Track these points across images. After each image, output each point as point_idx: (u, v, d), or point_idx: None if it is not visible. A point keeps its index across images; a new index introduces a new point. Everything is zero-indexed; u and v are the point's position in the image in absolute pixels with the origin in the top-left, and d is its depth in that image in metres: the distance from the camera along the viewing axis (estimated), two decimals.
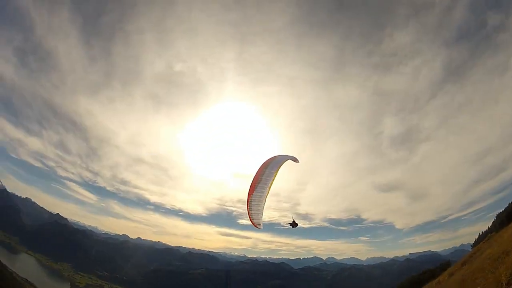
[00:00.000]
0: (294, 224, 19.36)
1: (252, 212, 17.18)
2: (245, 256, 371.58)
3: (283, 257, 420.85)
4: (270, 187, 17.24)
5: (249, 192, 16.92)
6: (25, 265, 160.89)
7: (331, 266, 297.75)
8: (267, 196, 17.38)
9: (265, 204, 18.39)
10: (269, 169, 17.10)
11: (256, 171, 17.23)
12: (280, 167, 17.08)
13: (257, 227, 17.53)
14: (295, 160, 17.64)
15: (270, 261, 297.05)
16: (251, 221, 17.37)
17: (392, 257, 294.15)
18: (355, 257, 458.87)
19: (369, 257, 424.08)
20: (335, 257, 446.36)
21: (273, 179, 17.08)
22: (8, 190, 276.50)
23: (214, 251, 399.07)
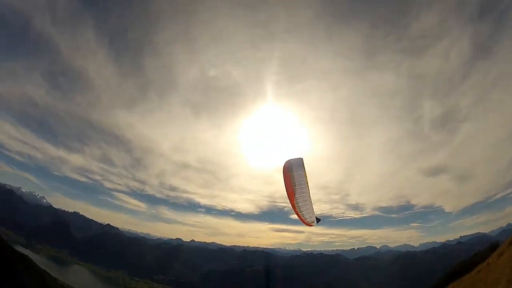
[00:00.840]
0: (317, 220, 18.33)
1: (303, 212, 16.70)
2: (300, 250, 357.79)
3: (338, 248, 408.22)
4: (308, 185, 16.59)
5: (289, 198, 16.40)
6: (77, 276, 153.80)
7: (386, 254, 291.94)
8: (310, 193, 16.70)
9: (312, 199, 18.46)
10: (295, 171, 16.60)
11: (284, 177, 16.60)
12: (303, 166, 16.52)
13: (310, 225, 17.15)
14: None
15: (325, 253, 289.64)
16: (304, 222, 16.82)
17: (443, 241, 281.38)
18: (408, 243, 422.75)
19: (422, 242, 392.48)
20: (388, 245, 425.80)
21: (306, 178, 16.45)
22: (55, 206, 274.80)
23: (269, 247, 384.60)
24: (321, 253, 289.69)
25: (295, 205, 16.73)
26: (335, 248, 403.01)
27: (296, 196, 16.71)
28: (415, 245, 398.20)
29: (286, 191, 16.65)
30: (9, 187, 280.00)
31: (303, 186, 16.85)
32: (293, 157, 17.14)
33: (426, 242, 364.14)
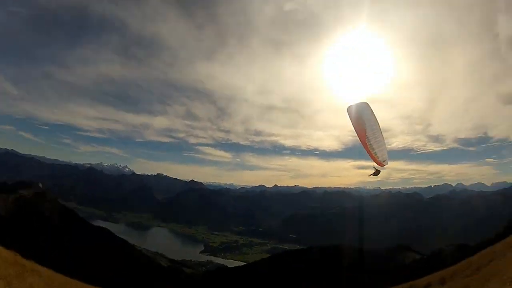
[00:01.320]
0: (376, 173, 17.14)
1: (376, 151, 15.41)
2: (379, 189, 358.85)
3: (416, 186, 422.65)
4: (378, 125, 15.51)
5: (360, 138, 15.26)
6: (156, 238, 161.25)
7: (459, 194, 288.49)
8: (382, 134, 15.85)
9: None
10: (363, 114, 15.38)
11: (352, 122, 15.49)
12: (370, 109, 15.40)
13: (383, 164, 15.83)
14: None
15: (403, 192, 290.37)
16: (377, 161, 15.56)
17: None
18: (482, 182, 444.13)
19: (494, 182, 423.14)
20: (463, 182, 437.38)
21: (375, 118, 15.36)
22: (138, 173, 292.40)
23: (350, 187, 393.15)
24: (400, 191, 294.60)
25: (367, 146, 15.49)
26: (412, 186, 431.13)
27: (367, 136, 15.33)
28: (488, 184, 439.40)
29: (356, 131, 15.43)
30: (88, 165, 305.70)
31: (373, 126, 15.34)
32: (358, 102, 16.06)
33: (498, 182, 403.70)
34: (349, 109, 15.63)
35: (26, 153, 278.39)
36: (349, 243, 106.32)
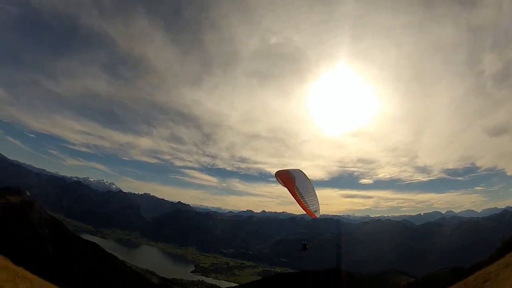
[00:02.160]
0: (304, 247, 20.33)
1: (307, 203, 16.09)
2: (368, 217, 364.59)
3: (405, 214, 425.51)
4: (312, 186, 16.76)
5: (290, 191, 15.90)
6: (145, 256, 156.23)
7: (450, 221, 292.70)
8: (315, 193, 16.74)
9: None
10: (292, 173, 16.41)
11: (287, 187, 16.13)
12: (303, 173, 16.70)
13: (315, 215, 16.54)
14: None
15: (393, 219, 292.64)
16: (308, 212, 16.36)
17: (504, 207, 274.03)
18: (472, 209, 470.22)
19: (485, 208, 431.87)
20: (453, 210, 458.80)
21: (308, 181, 16.62)
22: (124, 191, 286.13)
23: (338, 214, 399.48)
24: (389, 219, 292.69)
25: (299, 199, 16.30)
26: (402, 214, 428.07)
27: (298, 189, 16.12)
28: (478, 211, 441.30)
29: (288, 189, 16.10)
30: (75, 178, 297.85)
31: (305, 183, 16.53)
32: (291, 168, 17.15)
33: (489, 208, 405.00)
34: (277, 173, 16.52)
35: (13, 159, 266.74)
36: (341, 267, 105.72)
